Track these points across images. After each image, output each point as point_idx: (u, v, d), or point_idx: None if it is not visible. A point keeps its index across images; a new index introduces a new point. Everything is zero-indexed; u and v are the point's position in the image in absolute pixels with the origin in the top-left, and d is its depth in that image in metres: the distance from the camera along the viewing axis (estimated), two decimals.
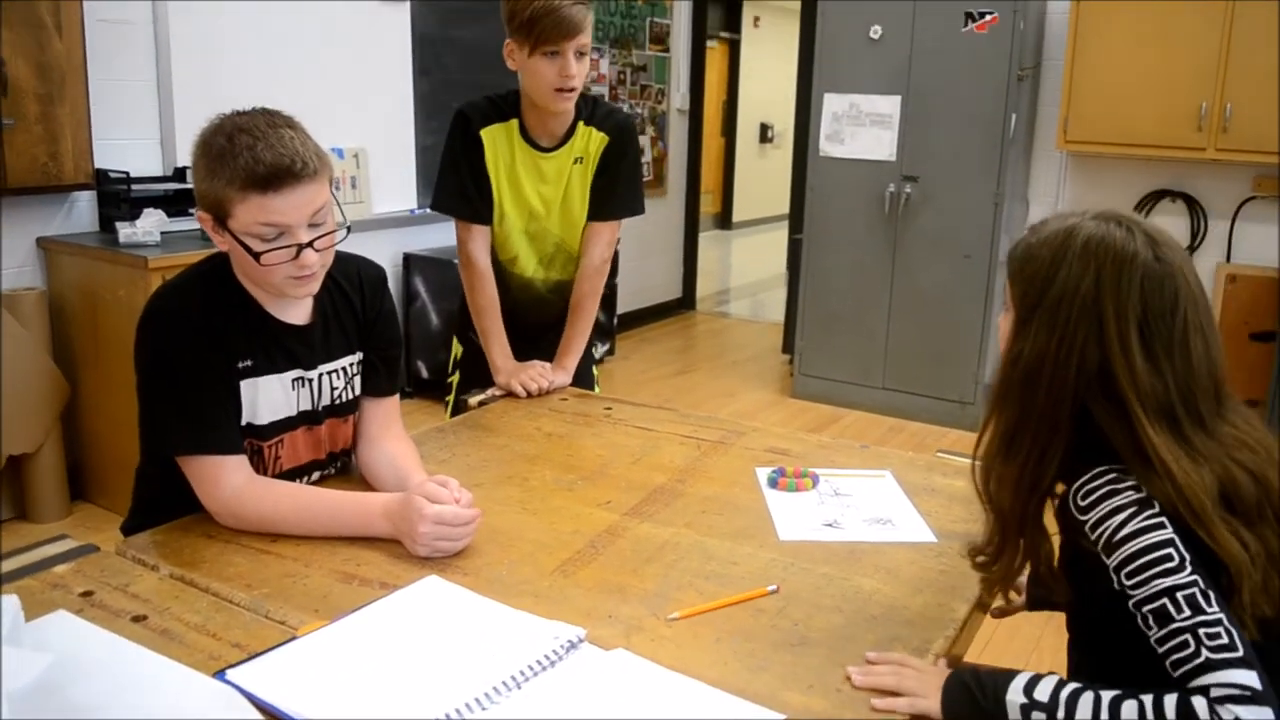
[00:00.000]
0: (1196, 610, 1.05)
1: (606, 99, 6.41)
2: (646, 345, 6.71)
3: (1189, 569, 1.07)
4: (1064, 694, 1.08)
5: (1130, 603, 1.09)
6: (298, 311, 1.63)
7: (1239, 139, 4.50)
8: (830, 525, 1.59)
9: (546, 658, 1.16)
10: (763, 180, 12.43)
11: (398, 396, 1.82)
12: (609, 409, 2.15)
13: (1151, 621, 1.07)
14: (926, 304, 5.09)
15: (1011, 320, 1.24)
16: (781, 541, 1.53)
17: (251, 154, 1.43)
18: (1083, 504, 1.15)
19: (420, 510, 1.42)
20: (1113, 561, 1.11)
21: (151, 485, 1.66)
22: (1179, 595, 1.06)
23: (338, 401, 1.70)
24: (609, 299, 5.67)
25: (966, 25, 4.76)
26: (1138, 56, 4.65)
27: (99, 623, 1.22)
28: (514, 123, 2.23)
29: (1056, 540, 1.24)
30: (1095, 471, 1.15)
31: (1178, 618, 1.05)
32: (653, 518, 1.60)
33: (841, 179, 5.20)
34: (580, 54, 2.11)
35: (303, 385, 1.64)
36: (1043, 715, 1.08)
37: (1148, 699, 1.03)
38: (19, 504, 3.68)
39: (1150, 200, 5.05)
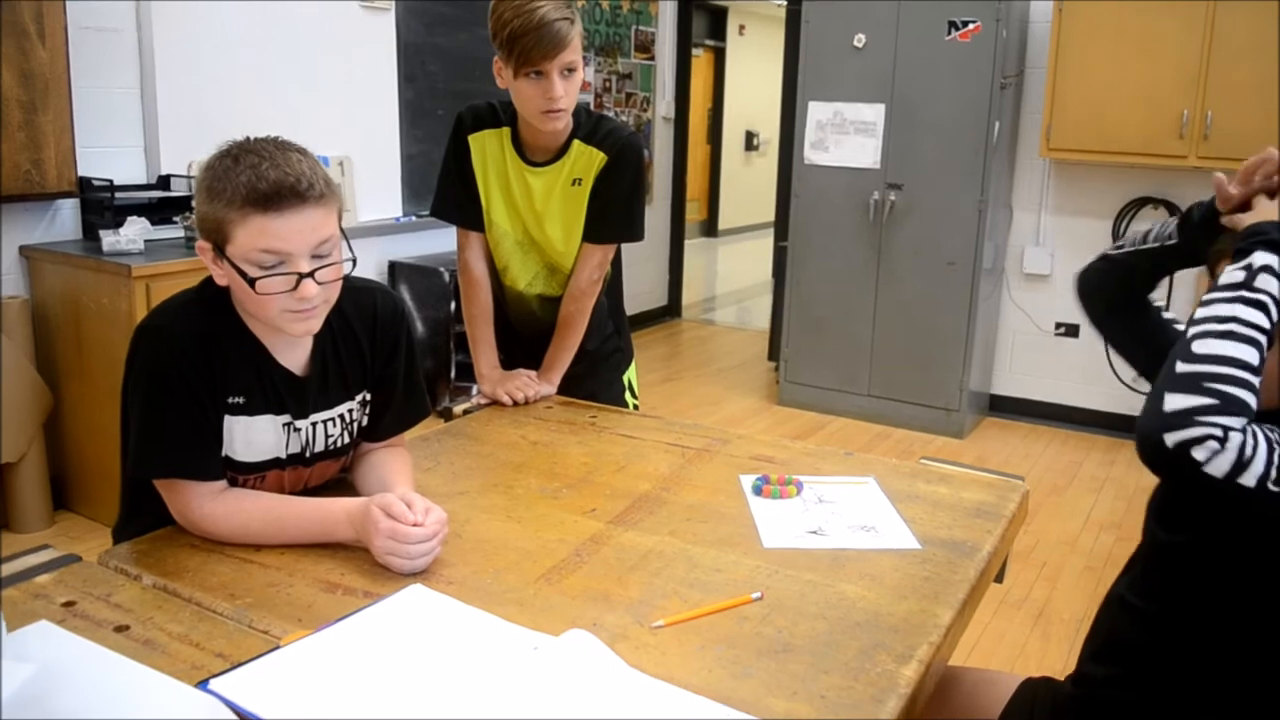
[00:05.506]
0: None
1: (593, 107, 6.43)
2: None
3: None
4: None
5: None
6: (296, 355, 1.56)
7: (1220, 147, 4.53)
8: (814, 532, 1.59)
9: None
10: (749, 188, 12.48)
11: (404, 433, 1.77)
12: (594, 417, 2.16)
13: None
14: (911, 311, 5.12)
15: None
16: (766, 549, 1.53)
17: (255, 171, 1.36)
18: None
19: (376, 523, 1.40)
20: None
21: (137, 487, 1.61)
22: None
23: (332, 447, 1.64)
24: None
25: (949, 34, 4.79)
26: (1120, 64, 4.69)
27: (81, 633, 1.22)
28: (506, 131, 2.18)
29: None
30: None
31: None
32: (637, 526, 1.60)
33: (826, 187, 5.22)
34: (568, 72, 2.01)
35: (295, 431, 1.58)
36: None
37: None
38: (1, 514, 3.66)
39: (1133, 207, 5.09)
